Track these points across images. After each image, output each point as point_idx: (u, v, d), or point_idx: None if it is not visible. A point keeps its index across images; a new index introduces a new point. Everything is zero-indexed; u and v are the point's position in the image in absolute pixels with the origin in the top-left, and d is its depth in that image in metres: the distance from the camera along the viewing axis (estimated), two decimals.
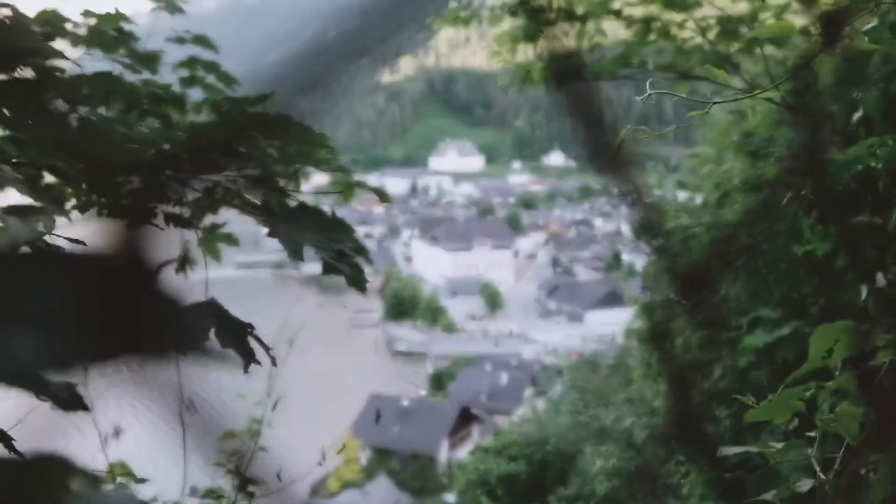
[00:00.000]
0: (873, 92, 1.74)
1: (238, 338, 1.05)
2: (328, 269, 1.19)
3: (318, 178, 2.07)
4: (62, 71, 1.74)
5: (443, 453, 47.14)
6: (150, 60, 2.01)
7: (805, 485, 1.26)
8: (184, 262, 2.05)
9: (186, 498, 2.79)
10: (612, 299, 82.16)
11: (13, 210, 1.53)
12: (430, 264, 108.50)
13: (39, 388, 0.53)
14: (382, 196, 1.79)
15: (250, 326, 1.07)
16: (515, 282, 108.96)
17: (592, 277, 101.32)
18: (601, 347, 22.08)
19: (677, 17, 4.65)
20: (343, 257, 1.20)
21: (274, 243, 1.17)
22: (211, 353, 0.80)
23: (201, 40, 2.21)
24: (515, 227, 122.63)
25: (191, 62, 2.13)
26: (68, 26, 1.94)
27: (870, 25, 1.45)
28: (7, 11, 1.63)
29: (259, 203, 1.24)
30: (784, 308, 6.14)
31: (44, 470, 0.53)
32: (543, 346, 73.72)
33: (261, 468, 3.03)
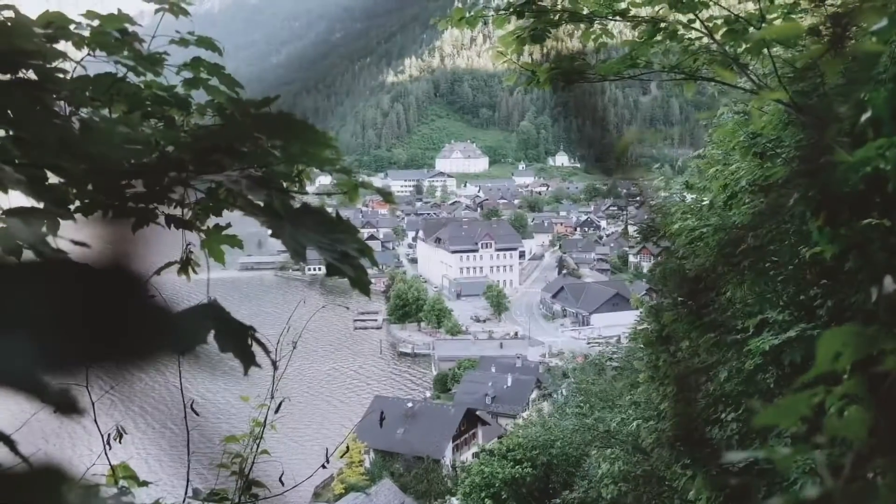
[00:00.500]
0: (882, 92, 1.72)
1: (238, 340, 1.04)
2: (332, 270, 1.18)
3: (322, 180, 2.06)
4: (65, 72, 1.74)
5: (447, 456, 47.11)
6: (153, 62, 2.01)
7: (812, 490, 1.25)
8: (186, 264, 2.04)
9: (189, 500, 2.79)
10: (618, 301, 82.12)
11: (16, 212, 1.53)
12: (434, 266, 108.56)
13: (37, 393, 0.52)
14: (387, 197, 1.78)
15: (252, 329, 1.06)
16: (520, 283, 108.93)
17: (598, 279, 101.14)
18: (607, 350, 21.97)
19: (684, 17, 4.63)
20: (347, 259, 1.19)
21: (278, 244, 1.16)
22: (206, 357, 0.79)
23: (205, 42, 2.20)
24: (520, 228, 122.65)
25: (194, 64, 2.12)
26: (72, 28, 1.93)
27: (878, 26, 1.43)
28: (9, 13, 1.62)
29: (262, 204, 1.23)
30: (791, 311, 6.10)
31: (39, 481, 0.52)
32: (549, 348, 73.66)
33: (263, 471, 3.02)
